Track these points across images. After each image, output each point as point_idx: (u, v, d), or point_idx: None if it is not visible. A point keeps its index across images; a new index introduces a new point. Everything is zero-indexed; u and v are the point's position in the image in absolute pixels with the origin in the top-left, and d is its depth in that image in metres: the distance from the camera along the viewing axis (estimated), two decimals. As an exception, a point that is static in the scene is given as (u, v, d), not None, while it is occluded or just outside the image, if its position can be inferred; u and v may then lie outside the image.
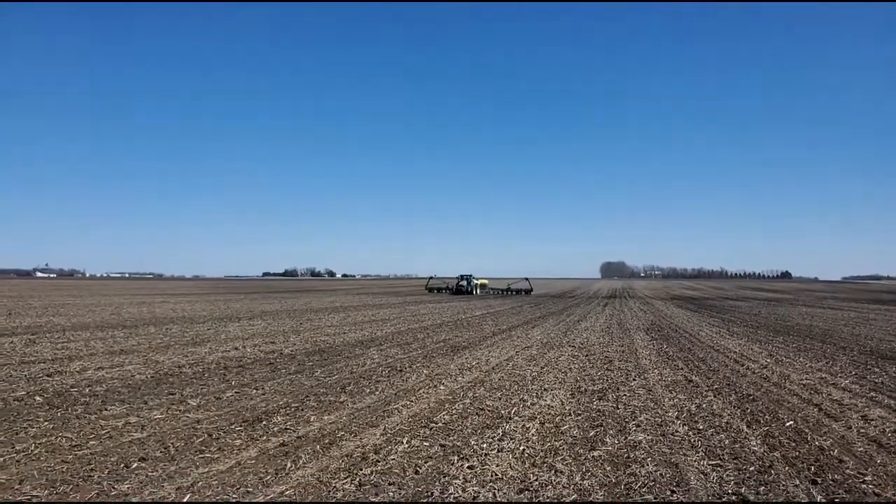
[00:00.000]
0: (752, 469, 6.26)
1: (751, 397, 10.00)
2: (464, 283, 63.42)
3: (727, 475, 6.06)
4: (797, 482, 5.90)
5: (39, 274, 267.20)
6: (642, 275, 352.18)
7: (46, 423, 7.86)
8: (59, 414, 8.35)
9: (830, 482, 5.93)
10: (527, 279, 67.49)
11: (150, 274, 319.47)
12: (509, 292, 64.36)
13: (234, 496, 5.34)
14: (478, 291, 62.83)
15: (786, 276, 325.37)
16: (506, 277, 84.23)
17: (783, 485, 5.80)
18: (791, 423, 8.25)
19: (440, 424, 7.98)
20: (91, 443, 6.98)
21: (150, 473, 5.93)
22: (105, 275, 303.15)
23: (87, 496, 5.29)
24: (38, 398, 9.32)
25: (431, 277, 76.99)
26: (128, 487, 5.54)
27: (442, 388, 10.56)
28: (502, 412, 8.70)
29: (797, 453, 6.87)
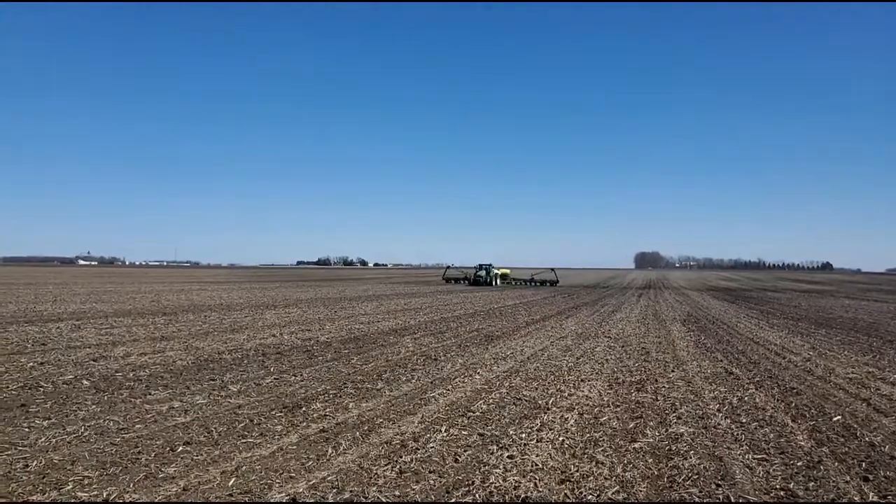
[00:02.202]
0: (799, 464, 6.10)
1: (794, 391, 9.76)
2: (482, 273, 59.26)
3: (774, 470, 5.91)
4: (847, 479, 5.73)
5: (81, 262, 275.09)
6: (677, 265, 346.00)
7: (94, 406, 8.08)
8: (105, 397, 8.57)
9: (883, 479, 5.75)
10: (552, 270, 63.80)
11: (186, 262, 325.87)
12: (533, 283, 60.85)
13: (277, 481, 5.41)
14: (497, 282, 58.57)
15: (827, 267, 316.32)
16: (530, 268, 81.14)
17: (833, 481, 5.63)
18: (839, 417, 8.03)
19: (477, 413, 7.97)
20: (137, 426, 7.15)
21: (195, 457, 6.05)
22: (144, 263, 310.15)
23: (136, 478, 5.42)
24: (85, 382, 9.58)
25: (448, 267, 73.42)
26: (174, 470, 5.65)
27: (477, 377, 10.54)
28: (539, 402, 8.64)
29: (846, 449, 6.68)
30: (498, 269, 60.85)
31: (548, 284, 59.55)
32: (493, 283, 57.83)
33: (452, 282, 63.03)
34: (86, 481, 5.34)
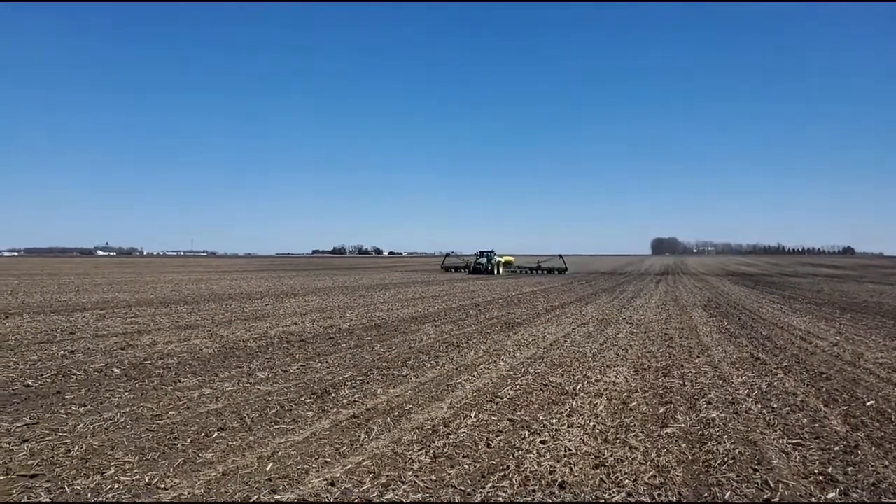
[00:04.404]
0: (836, 449, 6.04)
1: (824, 375, 9.65)
2: (483, 260, 54.96)
3: (810, 455, 5.86)
4: (886, 463, 5.67)
5: (100, 252, 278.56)
6: (695, 251, 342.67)
7: (127, 393, 8.18)
8: (137, 385, 8.68)
9: (922, 464, 5.68)
10: (560, 256, 60.09)
11: (203, 252, 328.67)
12: (539, 271, 57.47)
13: (314, 465, 5.46)
14: (500, 271, 54.42)
15: (848, 251, 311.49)
16: (541, 255, 77.90)
17: (872, 465, 5.58)
18: (872, 402, 7.93)
19: (505, 399, 7.98)
20: (171, 413, 7.24)
21: (230, 443, 6.11)
22: (161, 253, 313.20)
23: (175, 463, 5.50)
24: (115, 370, 9.71)
25: (448, 254, 68.17)
26: (211, 455, 5.72)
27: (502, 363, 10.54)
28: (567, 388, 8.63)
29: (883, 433, 6.59)
30: (501, 256, 57.15)
31: (556, 272, 56.42)
32: (496, 271, 54.00)
33: (452, 270, 59.13)
34: (126, 466, 5.42)
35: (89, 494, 4.79)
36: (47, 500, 4.69)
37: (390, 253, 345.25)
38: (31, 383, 8.71)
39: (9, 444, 6.00)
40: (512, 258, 60.93)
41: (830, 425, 6.87)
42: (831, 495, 4.92)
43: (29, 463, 5.47)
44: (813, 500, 4.84)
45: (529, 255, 76.41)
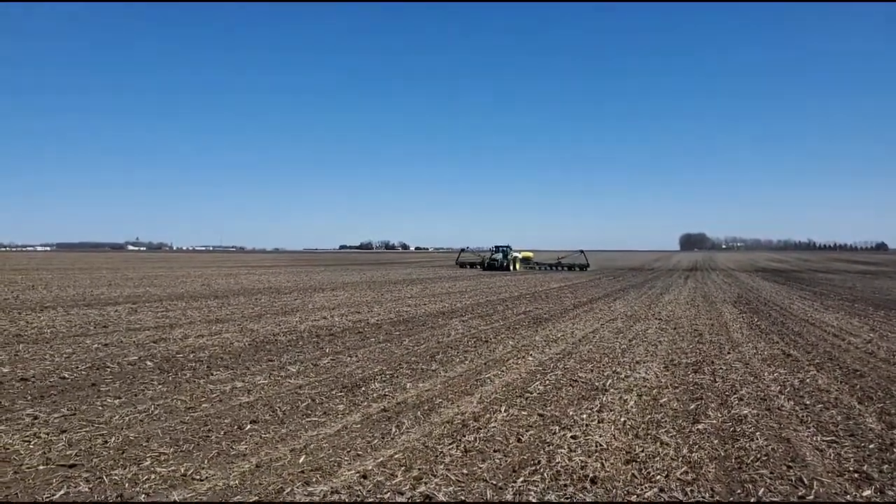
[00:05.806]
0: (871, 447, 5.93)
1: (858, 373, 9.48)
2: (498, 256, 51.99)
3: (845, 452, 5.76)
4: (924, 462, 5.56)
5: (131, 247, 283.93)
6: (724, 247, 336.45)
7: (160, 386, 8.35)
8: (169, 378, 8.84)
9: (962, 463, 5.55)
10: (582, 252, 56.56)
11: (232, 247, 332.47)
12: (559, 268, 54.79)
13: (346, 458, 5.52)
14: (517, 267, 52.17)
15: (881, 247, 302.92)
16: (558, 250, 74.56)
17: (909, 464, 5.47)
18: (909, 400, 7.77)
19: (535, 394, 7.97)
20: (204, 405, 7.37)
21: (263, 435, 6.21)
22: (190, 248, 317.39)
23: (209, 455, 5.60)
24: (148, 363, 9.90)
25: (463, 250, 66.19)
26: (245, 447, 5.82)
27: (530, 359, 10.53)
28: (596, 384, 8.59)
29: (920, 432, 6.46)
30: (519, 251, 55.11)
31: (577, 269, 54.06)
32: (512, 267, 51.45)
33: (467, 266, 57.38)
34: (162, 457, 5.53)
35: (126, 484, 4.90)
36: (86, 489, 4.81)
37: (417, 248, 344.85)
38: (66, 375, 8.93)
39: (48, 434, 6.17)
40: (531, 254, 59.53)
41: (865, 423, 6.75)
42: (867, 493, 4.84)
43: (68, 453, 5.61)
44: (848, 497, 4.77)
45: (553, 250, 75.79)
